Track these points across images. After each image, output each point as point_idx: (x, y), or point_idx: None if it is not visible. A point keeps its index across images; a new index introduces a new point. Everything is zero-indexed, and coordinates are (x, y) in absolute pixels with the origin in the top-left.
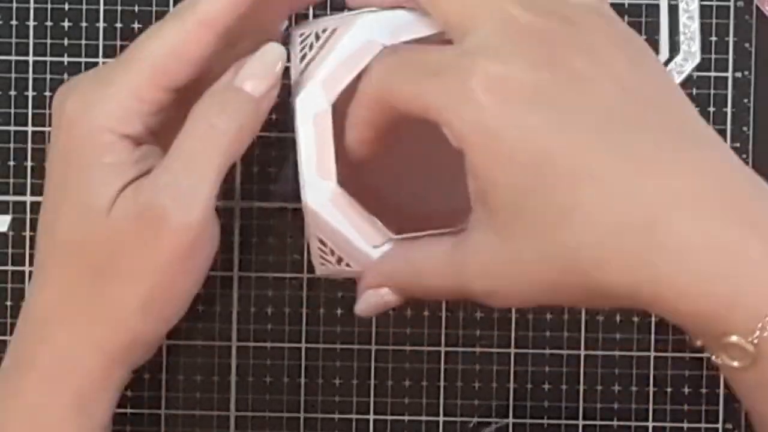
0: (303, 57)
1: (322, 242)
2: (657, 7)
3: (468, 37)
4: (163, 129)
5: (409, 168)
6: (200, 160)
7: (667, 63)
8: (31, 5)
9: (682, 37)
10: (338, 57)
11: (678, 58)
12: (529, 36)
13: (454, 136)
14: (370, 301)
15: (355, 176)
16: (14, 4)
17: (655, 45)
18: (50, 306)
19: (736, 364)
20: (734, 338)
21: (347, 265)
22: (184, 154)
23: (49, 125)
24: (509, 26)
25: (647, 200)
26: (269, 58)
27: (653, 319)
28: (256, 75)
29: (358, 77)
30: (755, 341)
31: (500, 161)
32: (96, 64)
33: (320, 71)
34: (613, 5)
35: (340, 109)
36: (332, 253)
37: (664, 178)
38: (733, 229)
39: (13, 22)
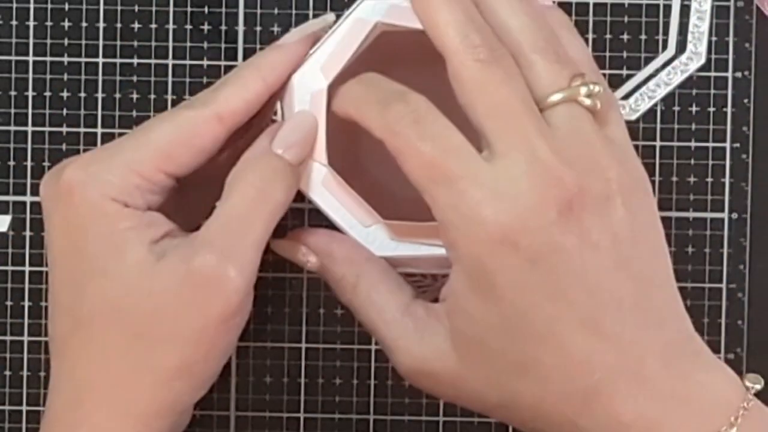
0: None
1: None
2: (657, 7)
3: (494, 157)
4: (163, 206)
5: None
6: (252, 223)
7: (671, 61)
8: (31, 5)
9: (690, 36)
10: (335, 39)
11: (683, 57)
12: (548, 186)
13: (449, 250)
14: (294, 253)
15: (346, 160)
16: (14, 4)
17: (655, 44)
18: (83, 385)
19: None
20: None
21: None
22: (236, 216)
23: (50, 125)
24: (535, 166)
25: (596, 375)
26: (306, 126)
27: None
28: (294, 144)
29: (356, 59)
30: None
31: (487, 301)
32: (96, 64)
33: (318, 53)
34: (613, 5)
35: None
36: None
37: (620, 360)
38: (666, 407)
39: (13, 22)
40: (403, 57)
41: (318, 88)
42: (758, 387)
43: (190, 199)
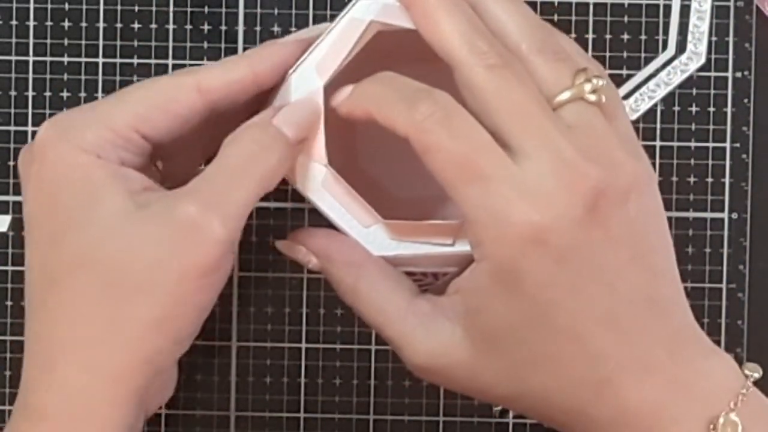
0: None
1: None
2: (657, 7)
3: (519, 157)
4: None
5: (401, 154)
6: (241, 180)
7: (671, 61)
8: (31, 5)
9: (690, 36)
10: (330, 39)
11: (683, 57)
12: (576, 184)
13: (475, 248)
14: (296, 254)
15: (347, 160)
16: (14, 4)
17: (655, 44)
18: (56, 345)
19: None
20: None
21: None
22: (226, 171)
23: None
24: (561, 165)
25: (610, 366)
26: (309, 109)
27: None
28: (295, 122)
29: (354, 59)
30: None
31: (511, 298)
32: (96, 64)
33: (314, 54)
34: (613, 5)
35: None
36: None
37: (631, 350)
38: (670, 392)
39: (13, 22)
40: (399, 56)
41: (314, 88)
42: (757, 375)
43: None
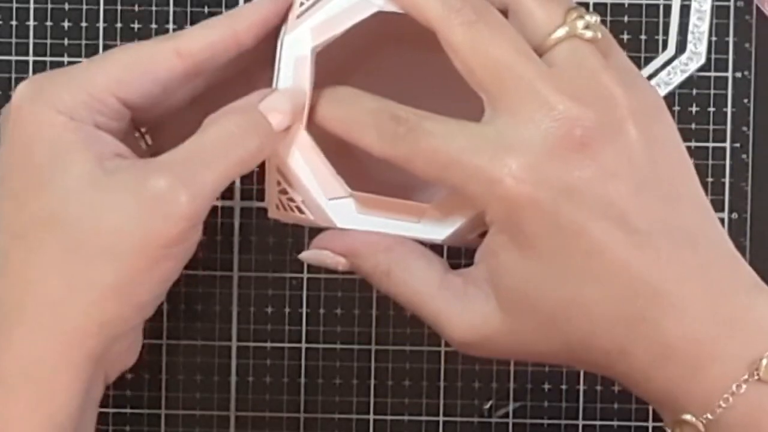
0: (301, 4)
1: (279, 184)
2: (657, 7)
3: (497, 114)
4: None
5: None
6: (216, 161)
7: (671, 61)
8: (31, 5)
9: (690, 37)
10: (332, 9)
11: (683, 57)
12: (559, 126)
13: (485, 217)
14: (323, 261)
15: (334, 146)
16: (14, 4)
17: (655, 44)
18: (12, 302)
19: None
20: (688, 416)
21: (300, 211)
22: (203, 150)
23: None
24: (541, 110)
25: (639, 301)
26: (297, 100)
27: None
28: (281, 110)
29: (349, 33)
30: (705, 421)
31: (524, 251)
32: None
33: (311, 18)
34: (613, 5)
35: (328, 67)
36: (290, 199)
37: (660, 282)
38: (709, 328)
39: (13, 22)
40: (395, 36)
41: (303, 54)
42: None
43: None
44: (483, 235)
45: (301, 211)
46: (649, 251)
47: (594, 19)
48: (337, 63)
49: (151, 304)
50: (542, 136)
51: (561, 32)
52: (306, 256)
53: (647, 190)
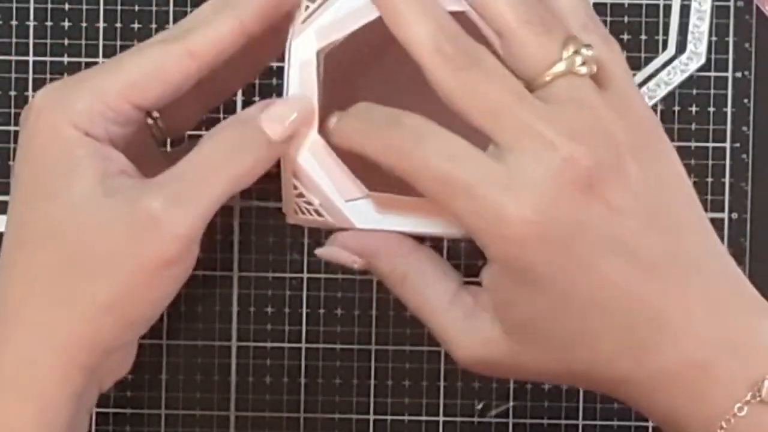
0: (307, 7)
1: (296, 188)
2: (657, 7)
3: (503, 153)
4: (129, 148)
5: None
6: (210, 178)
7: (671, 61)
8: (31, 5)
9: (690, 37)
10: (338, 11)
11: (683, 57)
12: (564, 168)
13: (484, 250)
14: (339, 258)
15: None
16: (14, 4)
17: (655, 44)
18: (12, 304)
19: None
20: None
21: (319, 214)
22: (196, 168)
23: None
24: (545, 152)
25: (642, 332)
26: (300, 107)
27: None
28: (282, 121)
29: (354, 35)
30: None
31: (530, 290)
32: (96, 63)
33: (318, 20)
34: (613, 5)
35: (338, 66)
36: (308, 202)
37: (664, 310)
38: (711, 352)
39: (13, 22)
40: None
41: (310, 57)
42: None
43: (173, 162)
44: None
45: (319, 214)
46: (655, 282)
47: (591, 52)
48: (345, 67)
49: (145, 322)
50: (549, 177)
51: (557, 69)
52: (322, 252)
53: (654, 223)
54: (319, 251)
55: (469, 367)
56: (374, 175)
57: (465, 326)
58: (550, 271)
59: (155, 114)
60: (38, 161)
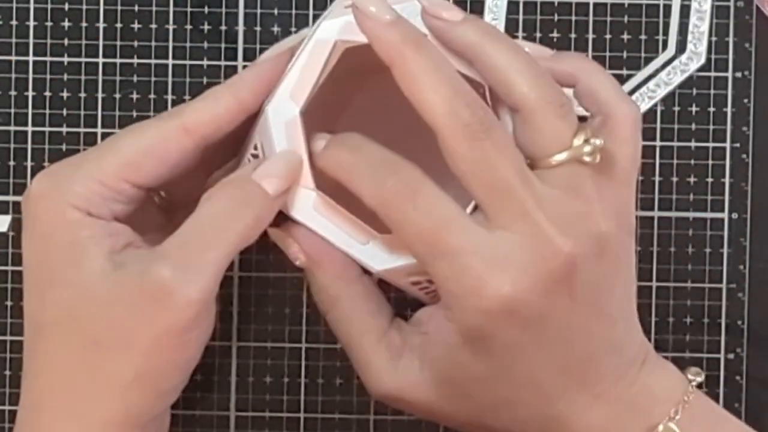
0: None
1: (255, 148)
2: (657, 7)
3: (493, 228)
4: (133, 217)
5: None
6: (214, 241)
7: (671, 61)
8: (31, 5)
9: (690, 37)
10: (300, 64)
11: (683, 57)
12: (549, 258)
13: (446, 310)
14: (287, 246)
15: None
16: (14, 4)
17: (655, 44)
18: (40, 391)
19: None
20: None
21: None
22: (198, 232)
23: (49, 126)
24: (534, 239)
25: (561, 404)
26: (290, 162)
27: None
28: (276, 175)
29: (326, 83)
30: None
31: (477, 356)
32: (96, 64)
33: (287, 80)
34: (613, 5)
35: (315, 115)
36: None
37: (579, 386)
38: (612, 413)
39: (13, 22)
40: (372, 66)
41: (291, 117)
42: (699, 380)
43: (179, 222)
44: (415, 283)
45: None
46: (581, 365)
47: (599, 142)
48: (325, 107)
49: (174, 389)
50: (535, 263)
51: (564, 156)
52: (273, 232)
53: (598, 314)
54: (270, 230)
55: (383, 401)
56: (369, 214)
57: (389, 366)
58: (505, 343)
59: (162, 194)
60: (45, 247)
